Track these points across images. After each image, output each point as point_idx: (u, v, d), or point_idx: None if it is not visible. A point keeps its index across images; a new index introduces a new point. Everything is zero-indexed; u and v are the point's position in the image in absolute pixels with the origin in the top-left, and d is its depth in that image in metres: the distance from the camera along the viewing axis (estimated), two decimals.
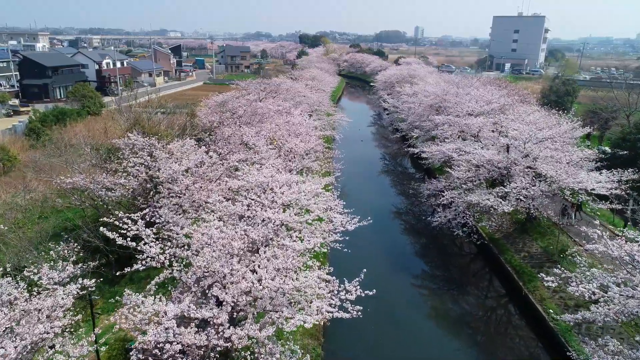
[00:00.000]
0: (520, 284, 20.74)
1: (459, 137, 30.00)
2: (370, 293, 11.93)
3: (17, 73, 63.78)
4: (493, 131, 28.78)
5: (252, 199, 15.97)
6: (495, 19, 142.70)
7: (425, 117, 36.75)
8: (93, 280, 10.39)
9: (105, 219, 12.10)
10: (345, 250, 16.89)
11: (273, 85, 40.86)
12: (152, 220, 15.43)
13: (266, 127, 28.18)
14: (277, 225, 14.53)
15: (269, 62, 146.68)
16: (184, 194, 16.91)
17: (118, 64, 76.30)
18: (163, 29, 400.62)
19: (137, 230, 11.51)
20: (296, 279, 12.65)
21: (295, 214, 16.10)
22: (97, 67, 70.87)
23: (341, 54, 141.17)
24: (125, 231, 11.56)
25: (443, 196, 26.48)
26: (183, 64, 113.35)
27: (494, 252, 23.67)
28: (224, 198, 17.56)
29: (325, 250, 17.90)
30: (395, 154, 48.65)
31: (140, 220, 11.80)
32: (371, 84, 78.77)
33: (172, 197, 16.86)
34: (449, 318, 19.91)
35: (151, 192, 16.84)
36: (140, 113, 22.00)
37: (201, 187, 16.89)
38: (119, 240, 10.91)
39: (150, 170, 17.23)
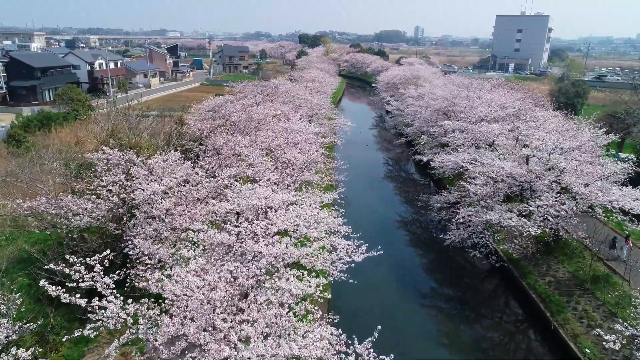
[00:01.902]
0: (547, 314, 18.34)
1: (472, 145, 27.60)
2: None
3: (5, 74, 61.26)
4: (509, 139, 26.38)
5: (243, 226, 13.57)
6: (498, 18, 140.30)
7: (433, 122, 34.34)
8: (30, 353, 7.97)
9: (52, 265, 9.67)
10: (351, 280, 14.54)
11: (271, 88, 38.43)
12: (123, 253, 13.05)
13: (262, 134, 25.77)
14: (271, 261, 12.14)
15: (268, 62, 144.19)
16: (164, 219, 14.51)
17: (111, 65, 73.70)
18: (163, 29, 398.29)
19: (93, 280, 9.10)
20: (294, 331, 10.31)
21: (292, 244, 13.73)
22: (89, 68, 68.32)
23: (341, 54, 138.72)
24: (76, 281, 9.16)
25: (456, 211, 24.14)
26: (180, 64, 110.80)
27: (515, 275, 21.25)
28: (211, 222, 15.17)
29: (326, 281, 15.57)
30: (399, 158, 46.29)
31: (98, 265, 9.38)
32: (373, 84, 76.46)
33: (149, 222, 14.45)
34: (468, 351, 17.50)
35: (125, 218, 14.44)
36: (120, 121, 19.60)
37: (184, 210, 14.48)
38: (64, 298, 8.49)
39: (126, 190, 14.82)
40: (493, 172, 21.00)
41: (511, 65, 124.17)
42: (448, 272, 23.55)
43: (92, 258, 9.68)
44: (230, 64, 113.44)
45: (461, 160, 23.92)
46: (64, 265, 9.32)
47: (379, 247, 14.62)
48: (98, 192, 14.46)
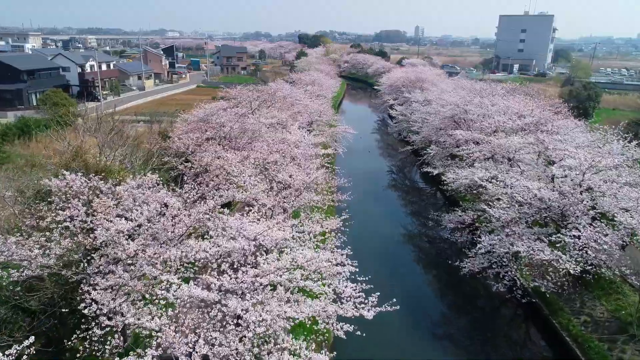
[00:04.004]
0: None
1: (488, 159, 24.95)
2: None
3: None
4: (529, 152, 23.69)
5: (226, 279, 10.91)
6: (501, 18, 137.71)
7: (443, 131, 31.66)
8: None
9: None
10: (358, 332, 11.90)
11: (268, 94, 35.74)
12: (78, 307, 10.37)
13: (257, 147, 23.11)
14: (261, 332, 9.50)
15: (267, 63, 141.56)
16: (130, 265, 11.83)
17: (103, 66, 71.10)
18: (162, 29, 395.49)
19: None
20: None
21: (286, 296, 11.10)
22: (79, 70, 65.59)
23: (342, 54, 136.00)
24: None
25: (473, 232, 21.61)
26: (177, 65, 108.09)
27: (544, 312, 18.57)
28: (189, 264, 12.48)
29: (328, 332, 12.94)
30: (405, 166, 43.69)
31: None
32: (375, 87, 73.85)
33: (112, 269, 11.77)
34: None
35: (81, 265, 11.76)
36: (91, 135, 16.89)
37: (154, 254, 11.80)
38: None
39: (84, 229, 12.14)
40: (519, 195, 18.30)
41: (515, 67, 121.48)
42: (465, 307, 20.88)
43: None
44: (228, 65, 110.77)
45: (479, 179, 21.22)
46: None
47: (394, 299, 11.99)
48: (51, 229, 11.79)
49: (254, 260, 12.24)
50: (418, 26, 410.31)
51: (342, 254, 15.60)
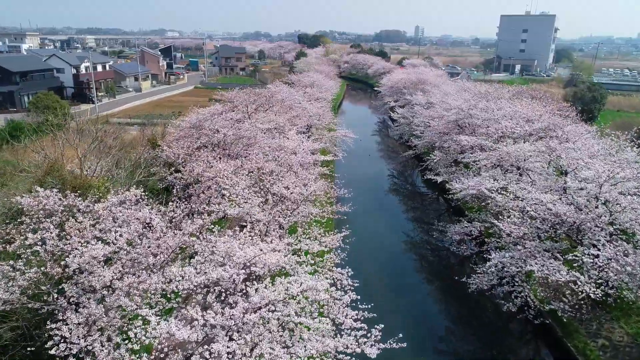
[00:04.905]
0: None
1: (496, 167, 23.72)
2: None
3: None
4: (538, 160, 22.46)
5: (210, 316, 9.68)
6: (502, 18, 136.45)
7: (447, 136, 30.41)
8: None
9: None
10: None
11: (265, 97, 34.49)
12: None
13: (251, 155, 21.89)
14: None
15: (266, 63, 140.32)
16: (105, 297, 10.61)
17: (99, 67, 69.83)
18: (162, 29, 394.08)
19: None
20: None
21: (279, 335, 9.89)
22: (74, 71, 64.31)
23: (342, 54, 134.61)
24: None
25: (481, 244, 20.44)
26: (175, 66, 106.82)
27: (557, 334, 17.34)
28: (174, 292, 11.26)
29: None
30: (406, 171, 42.46)
31: None
32: (375, 88, 72.70)
33: (84, 302, 10.55)
34: None
35: (51, 296, 10.54)
36: (73, 144, 15.58)
37: (132, 284, 10.58)
38: None
39: (54, 255, 10.93)
40: (532, 210, 17.07)
41: (517, 67, 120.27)
42: (472, 326, 19.65)
43: None
44: (227, 65, 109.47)
45: (488, 190, 19.98)
46: None
47: (400, 334, 10.79)
48: (19, 255, 10.58)
49: (244, 289, 11.04)
50: (418, 26, 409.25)
51: (342, 274, 14.49)
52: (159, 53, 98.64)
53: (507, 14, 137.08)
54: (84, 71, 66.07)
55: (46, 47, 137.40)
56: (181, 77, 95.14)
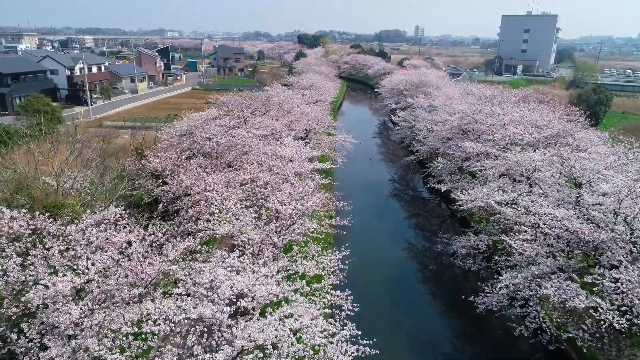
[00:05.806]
0: None
1: (503, 175, 22.47)
2: None
3: None
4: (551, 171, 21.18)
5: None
6: (504, 18, 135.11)
7: (451, 142, 29.15)
8: None
9: None
10: None
11: (261, 100, 33.21)
12: None
13: (245, 165, 20.60)
14: None
15: (265, 63, 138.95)
16: (71, 338, 9.36)
17: (94, 69, 68.59)
18: (161, 29, 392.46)
19: None
20: None
21: None
22: (68, 72, 62.99)
23: (341, 54, 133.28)
24: None
25: (488, 258, 19.25)
26: (173, 67, 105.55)
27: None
28: (151, 333, 9.98)
29: None
30: (408, 175, 41.21)
31: None
32: (375, 89, 71.44)
33: (46, 343, 9.29)
34: None
35: (7, 338, 9.29)
36: (48, 157, 14.27)
37: (102, 323, 9.31)
38: None
39: (14, 289, 9.68)
40: (548, 228, 15.79)
41: (519, 68, 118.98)
42: (480, 340, 18.40)
43: None
44: (225, 66, 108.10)
45: (497, 203, 18.71)
46: None
47: None
48: None
49: (231, 324, 9.78)
50: (418, 26, 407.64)
51: (340, 297, 13.28)
52: (156, 54, 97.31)
53: (508, 14, 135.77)
54: (78, 72, 64.75)
55: (44, 48, 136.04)
56: (179, 78, 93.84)
